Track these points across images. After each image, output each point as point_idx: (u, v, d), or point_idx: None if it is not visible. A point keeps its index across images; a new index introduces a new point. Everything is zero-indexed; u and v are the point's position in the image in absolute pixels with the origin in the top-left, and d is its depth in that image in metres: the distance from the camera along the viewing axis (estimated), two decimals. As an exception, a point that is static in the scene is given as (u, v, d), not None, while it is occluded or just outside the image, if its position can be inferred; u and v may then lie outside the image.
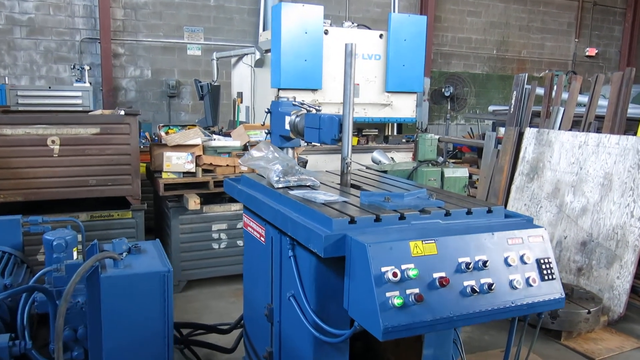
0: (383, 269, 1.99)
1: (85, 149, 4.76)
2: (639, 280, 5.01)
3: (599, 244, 4.96)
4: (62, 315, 2.03)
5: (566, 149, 5.33)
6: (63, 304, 2.06)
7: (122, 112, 4.85)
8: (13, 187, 4.61)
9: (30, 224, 2.93)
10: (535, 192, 5.51)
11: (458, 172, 4.86)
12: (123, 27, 10.95)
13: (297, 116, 3.49)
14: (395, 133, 8.32)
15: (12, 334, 2.65)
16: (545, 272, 2.28)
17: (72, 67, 8.28)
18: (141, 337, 2.38)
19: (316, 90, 7.30)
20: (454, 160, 9.19)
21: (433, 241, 2.12)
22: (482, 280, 2.14)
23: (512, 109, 5.86)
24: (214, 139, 5.62)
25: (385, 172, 4.38)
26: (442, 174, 4.84)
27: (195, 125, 5.65)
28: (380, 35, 7.44)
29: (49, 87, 7.05)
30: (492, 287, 2.12)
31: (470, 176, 8.36)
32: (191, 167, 5.10)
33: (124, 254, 2.54)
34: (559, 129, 5.49)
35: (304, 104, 3.36)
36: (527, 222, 2.51)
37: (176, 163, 5.06)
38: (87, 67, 8.19)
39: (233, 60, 8.80)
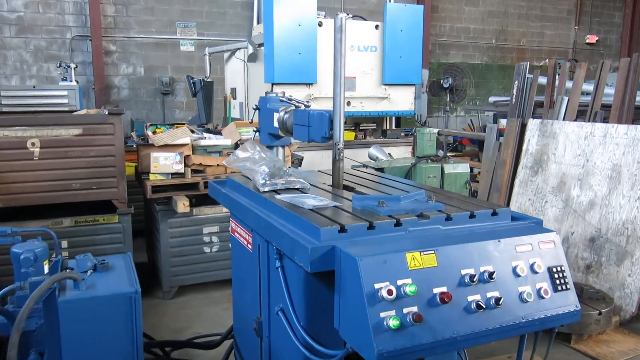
0: (377, 286, 1.77)
1: (67, 151, 4.52)
2: (651, 277, 4.77)
3: (609, 239, 4.73)
4: (14, 346, 1.80)
5: (571, 140, 5.09)
6: (15, 334, 1.84)
7: (106, 112, 4.61)
8: (-8, 193, 4.39)
9: (-1, 236, 2.70)
10: (540, 186, 5.28)
11: (459, 168, 4.63)
12: (114, 23, 10.68)
13: (285, 113, 3.26)
14: (393, 127, 8.09)
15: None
16: (558, 282, 2.06)
17: (58, 65, 8.02)
18: None
19: (311, 84, 7.07)
20: (454, 154, 8.96)
21: (433, 252, 1.89)
22: (489, 294, 1.91)
23: (513, 100, 5.61)
24: (204, 138, 5.39)
25: (382, 169, 4.16)
26: (442, 170, 4.60)
27: (183, 124, 5.42)
28: (376, 26, 7.20)
29: (34, 87, 6.81)
30: (500, 302, 1.89)
31: (471, 170, 8.15)
32: (180, 167, 4.87)
33: (89, 272, 2.32)
34: (564, 119, 5.25)
35: (292, 99, 3.13)
36: (536, 225, 2.29)
37: (164, 164, 4.83)
38: (73, 65, 7.94)
39: (226, 55, 8.56)
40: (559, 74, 5.58)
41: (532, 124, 5.40)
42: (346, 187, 2.87)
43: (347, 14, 7.63)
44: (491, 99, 7.41)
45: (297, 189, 2.77)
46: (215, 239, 5.04)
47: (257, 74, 7.40)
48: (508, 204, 5.53)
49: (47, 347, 2.16)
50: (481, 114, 10.17)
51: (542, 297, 2.00)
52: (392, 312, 1.75)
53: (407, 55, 7.40)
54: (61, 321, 2.09)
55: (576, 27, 15.14)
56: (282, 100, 3.19)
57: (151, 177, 4.85)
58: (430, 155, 4.73)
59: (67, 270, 2.30)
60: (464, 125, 12.53)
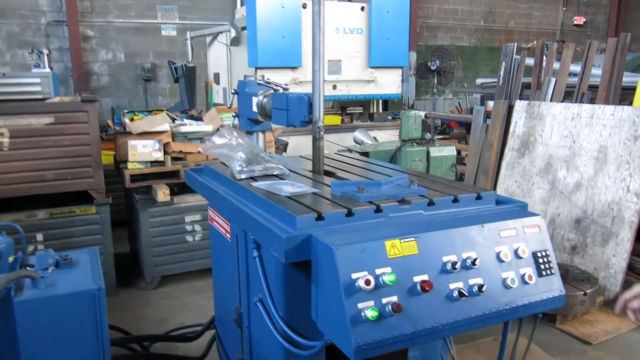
0: (354, 276, 1.68)
1: (39, 141, 4.35)
2: (636, 257, 4.75)
3: (594, 220, 4.70)
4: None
5: (558, 121, 5.02)
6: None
7: (79, 99, 4.46)
8: (-39, 186, 4.24)
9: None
10: (527, 168, 5.22)
11: (445, 151, 4.54)
12: (91, 7, 10.39)
13: (264, 97, 3.14)
14: (380, 110, 7.99)
15: None
16: (543, 266, 1.99)
17: (30, 51, 7.77)
18: None
19: (296, 68, 6.93)
20: (442, 137, 8.90)
21: (413, 239, 1.80)
22: (471, 282, 1.84)
23: (500, 81, 5.53)
24: (185, 124, 5.25)
25: (367, 153, 4.06)
26: (428, 153, 4.50)
27: (162, 110, 5.27)
28: (362, 8, 7.05)
29: (4, 74, 6.59)
30: (483, 289, 1.82)
31: (459, 152, 8.08)
32: (159, 155, 4.74)
33: (50, 269, 2.20)
34: (551, 100, 5.18)
35: (270, 82, 3.01)
36: (522, 209, 2.21)
37: (142, 152, 4.70)
38: (46, 52, 7.70)
39: (208, 39, 8.37)
40: (546, 55, 5.50)
41: (519, 106, 5.33)
42: (327, 173, 2.77)
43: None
44: (478, 81, 7.32)
45: (276, 175, 2.67)
46: (197, 227, 4.94)
47: (241, 58, 7.24)
48: (495, 187, 5.48)
49: (4, 349, 2.05)
50: (469, 97, 10.09)
51: (527, 283, 1.94)
52: (371, 303, 1.67)
53: (394, 38, 7.27)
54: (18, 322, 1.96)
55: (564, 9, 15.06)
56: (259, 84, 3.08)
57: (129, 165, 4.72)
58: (416, 139, 4.63)
59: (27, 268, 2.18)
60: (453, 107, 12.44)
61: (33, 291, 2.06)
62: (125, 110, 5.22)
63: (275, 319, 2.15)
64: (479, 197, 2.24)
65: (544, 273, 1.99)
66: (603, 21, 15.86)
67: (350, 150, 4.66)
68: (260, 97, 3.15)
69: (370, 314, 1.64)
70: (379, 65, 7.23)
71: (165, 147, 4.82)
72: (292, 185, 2.36)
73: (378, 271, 1.71)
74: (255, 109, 3.20)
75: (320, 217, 1.95)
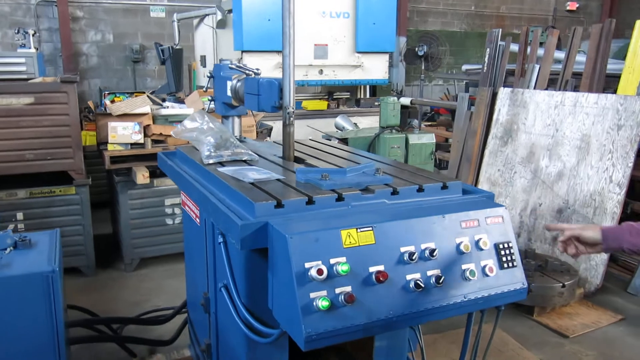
0: (307, 265, 1.66)
1: (19, 121, 4.32)
2: (617, 248, 4.77)
3: (576, 211, 4.70)
4: None
5: (542, 109, 5.00)
6: None
7: (59, 80, 4.40)
8: (-61, 165, 4.20)
9: None
10: (510, 157, 5.21)
11: (424, 139, 4.50)
12: (80, -13, 10.25)
13: (238, 81, 3.11)
14: (368, 96, 7.94)
15: None
16: (504, 258, 1.97)
17: (16, 31, 7.69)
18: (24, 343, 2.04)
19: (282, 52, 6.87)
20: (429, 123, 8.86)
21: (370, 228, 1.78)
22: (429, 273, 1.82)
23: (485, 68, 5.49)
24: (166, 107, 5.20)
25: (346, 140, 4.03)
26: (407, 140, 4.47)
27: (143, 93, 5.21)
28: (348, -8, 6.98)
29: (-12, 54, 6.53)
30: (441, 281, 1.81)
31: (446, 140, 8.05)
32: (139, 137, 4.70)
33: (8, 250, 2.18)
34: (535, 88, 5.15)
35: (242, 67, 2.97)
36: (487, 200, 2.19)
37: (122, 134, 4.65)
38: (31, 32, 7.59)
39: (195, 21, 8.26)
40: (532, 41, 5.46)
41: (503, 93, 5.30)
42: (297, 159, 2.75)
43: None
44: (464, 67, 7.26)
45: (244, 161, 2.64)
46: (177, 210, 4.91)
47: (227, 41, 7.16)
48: (478, 175, 5.47)
49: None
50: (459, 83, 10.02)
51: (487, 275, 1.92)
52: (324, 293, 1.66)
53: (381, 22, 7.21)
54: None
55: (556, -6, 14.97)
56: (231, 68, 3.03)
57: (109, 147, 4.68)
58: (395, 126, 4.59)
59: (-16, 249, 2.18)
60: (442, 94, 12.39)
61: None
62: (106, 92, 5.15)
63: (238, 306, 2.14)
64: (444, 187, 2.22)
65: (505, 265, 1.97)
66: (597, 7, 15.75)
67: (329, 137, 4.62)
68: (234, 82, 3.11)
69: (322, 303, 1.63)
70: (366, 50, 7.17)
71: (146, 130, 4.78)
72: (258, 172, 2.33)
73: (332, 261, 1.69)
74: (229, 93, 3.17)
75: (279, 205, 1.92)
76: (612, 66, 5.09)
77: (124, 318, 3.58)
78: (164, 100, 5.93)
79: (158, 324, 3.51)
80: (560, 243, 2.07)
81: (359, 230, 1.77)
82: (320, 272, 1.64)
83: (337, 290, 1.68)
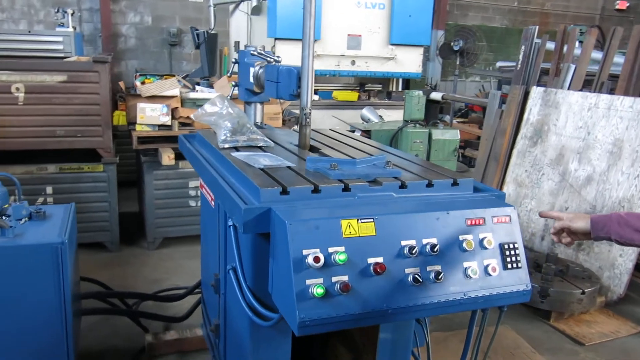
0: (305, 252, 1.68)
1: (51, 98, 4.47)
2: (644, 258, 4.63)
3: (602, 216, 4.56)
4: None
5: (574, 111, 4.87)
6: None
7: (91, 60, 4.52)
8: (-24, 136, 4.38)
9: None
10: (538, 158, 5.09)
11: (448, 135, 4.44)
12: (123, -31, 10.45)
13: (260, 68, 3.13)
14: (400, 89, 7.87)
15: None
16: (509, 259, 1.94)
17: (56, 10, 7.92)
18: (32, 311, 2.13)
19: (315, 41, 6.85)
20: (461, 120, 8.73)
21: (371, 220, 1.78)
22: (429, 268, 1.81)
23: (519, 66, 5.36)
24: (196, 91, 5.28)
25: (368, 132, 4.01)
26: (430, 135, 4.41)
27: (173, 76, 5.30)
28: (385, -18, 6.91)
29: (29, 32, 6.69)
30: (440, 277, 1.80)
31: (478, 138, 7.92)
32: (166, 119, 4.79)
33: (23, 220, 2.27)
34: (569, 88, 5.01)
35: (263, 53, 2.99)
36: (497, 199, 2.16)
37: (150, 115, 4.75)
38: (70, 11, 7.79)
39: (231, 7, 8.33)
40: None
41: (535, 92, 5.17)
42: (313, 148, 2.76)
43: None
44: (498, 64, 7.11)
45: (260, 147, 2.67)
46: (200, 193, 4.99)
47: (260, 28, 7.20)
48: (504, 175, 5.37)
49: None
50: (494, 80, 9.83)
51: (489, 274, 1.90)
52: (320, 280, 1.67)
53: (417, 15, 7.12)
54: None
55: (606, -8, 14.44)
56: (253, 55, 3.06)
57: (137, 127, 4.79)
58: (419, 120, 4.53)
59: (3, 218, 2.26)
60: (478, 90, 12.16)
61: (0, 239, 2.14)
62: (137, 73, 5.26)
63: (244, 288, 2.17)
64: (455, 184, 2.20)
65: (509, 266, 1.94)
66: (649, 7, 15.14)
67: (354, 129, 4.61)
68: (257, 68, 3.14)
69: (317, 291, 1.64)
70: (400, 42, 7.10)
71: (174, 112, 4.87)
72: (270, 158, 2.35)
73: (331, 249, 1.70)
74: (251, 79, 3.19)
75: (285, 192, 1.94)
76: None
77: (136, 293, 3.69)
78: (197, 84, 6.03)
79: (169, 301, 3.60)
80: (552, 235, 2.10)
81: (360, 221, 1.77)
82: (317, 259, 1.66)
83: (334, 279, 1.69)
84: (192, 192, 4.99)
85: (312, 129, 3.08)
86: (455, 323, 3.91)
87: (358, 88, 7.79)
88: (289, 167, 2.27)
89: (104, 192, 4.76)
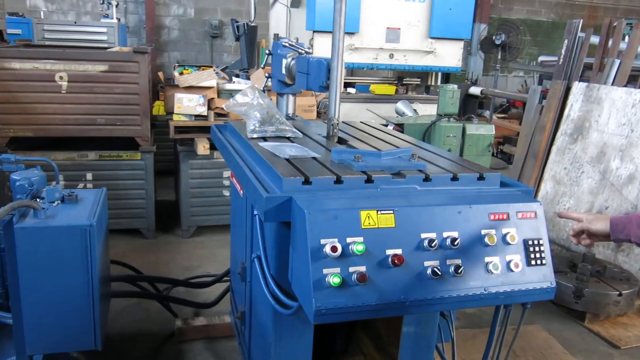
0: (323, 241, 1.69)
1: (93, 87, 4.62)
2: (688, 261, 4.44)
3: (644, 217, 4.40)
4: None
5: (617, 107, 4.69)
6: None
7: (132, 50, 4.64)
8: (22, 122, 4.57)
9: (3, 162, 2.80)
10: (578, 155, 4.94)
11: (482, 130, 4.35)
12: (167, -37, 10.67)
13: (292, 59, 3.15)
14: (439, 83, 7.77)
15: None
16: (533, 255, 1.91)
17: (101, 2, 8.16)
18: (61, 291, 2.24)
19: (353, 34, 6.85)
20: (501, 116, 8.54)
21: (391, 211, 1.78)
22: (449, 262, 1.80)
23: (561, 60, 5.21)
24: (233, 82, 5.36)
25: (401, 125, 3.98)
26: (464, 130, 4.34)
27: (211, 67, 5.38)
28: (425, -25, 6.83)
29: (75, 22, 6.93)
30: (460, 270, 1.78)
31: (518, 134, 7.73)
32: (203, 110, 4.88)
33: (56, 203, 2.36)
34: (612, 84, 4.83)
35: (294, 45, 3.01)
36: (524, 194, 2.12)
37: (187, 105, 4.85)
38: (114, 3, 8.02)
39: (271, 0, 8.39)
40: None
41: (577, 88, 5.02)
42: (341, 140, 2.76)
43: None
44: (540, 59, 6.91)
45: (288, 137, 2.69)
46: (234, 183, 5.07)
47: (299, 21, 7.24)
48: (542, 172, 5.24)
49: (8, 272, 2.26)
50: (537, 75, 9.56)
51: (512, 270, 1.87)
52: (337, 270, 1.68)
53: (458, 8, 7.01)
54: (17, 247, 2.17)
55: (660, -15, 13.81)
56: (285, 46, 3.08)
57: (174, 117, 4.89)
58: (452, 114, 4.46)
59: (37, 200, 2.37)
60: (520, 86, 11.86)
61: (33, 220, 2.25)
62: (176, 64, 5.37)
63: (267, 276, 2.21)
64: (481, 178, 2.17)
65: (533, 262, 1.91)
66: None
67: (387, 122, 4.58)
68: (289, 60, 3.16)
69: (334, 280, 1.65)
70: (440, 36, 7.01)
71: (210, 103, 4.95)
72: (296, 149, 2.37)
73: (349, 240, 1.71)
74: (284, 70, 3.22)
75: (307, 182, 1.96)
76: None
77: (167, 278, 3.78)
78: (237, 75, 6.11)
79: (197, 288, 3.68)
80: (572, 237, 2.06)
81: (379, 212, 1.77)
82: (334, 249, 1.67)
83: (351, 269, 1.70)
84: (226, 182, 5.08)
85: (343, 122, 3.09)
86: (484, 321, 3.86)
87: (396, 82, 7.74)
88: (314, 158, 2.28)
89: (141, 179, 4.89)
